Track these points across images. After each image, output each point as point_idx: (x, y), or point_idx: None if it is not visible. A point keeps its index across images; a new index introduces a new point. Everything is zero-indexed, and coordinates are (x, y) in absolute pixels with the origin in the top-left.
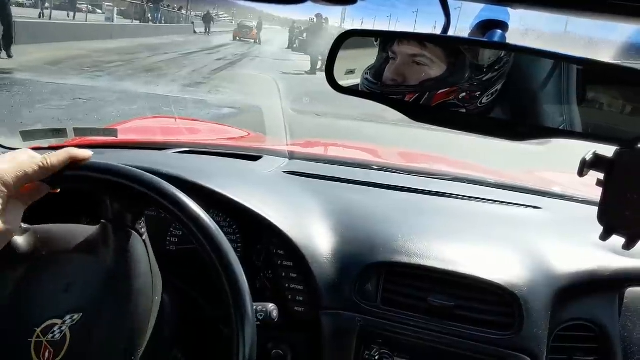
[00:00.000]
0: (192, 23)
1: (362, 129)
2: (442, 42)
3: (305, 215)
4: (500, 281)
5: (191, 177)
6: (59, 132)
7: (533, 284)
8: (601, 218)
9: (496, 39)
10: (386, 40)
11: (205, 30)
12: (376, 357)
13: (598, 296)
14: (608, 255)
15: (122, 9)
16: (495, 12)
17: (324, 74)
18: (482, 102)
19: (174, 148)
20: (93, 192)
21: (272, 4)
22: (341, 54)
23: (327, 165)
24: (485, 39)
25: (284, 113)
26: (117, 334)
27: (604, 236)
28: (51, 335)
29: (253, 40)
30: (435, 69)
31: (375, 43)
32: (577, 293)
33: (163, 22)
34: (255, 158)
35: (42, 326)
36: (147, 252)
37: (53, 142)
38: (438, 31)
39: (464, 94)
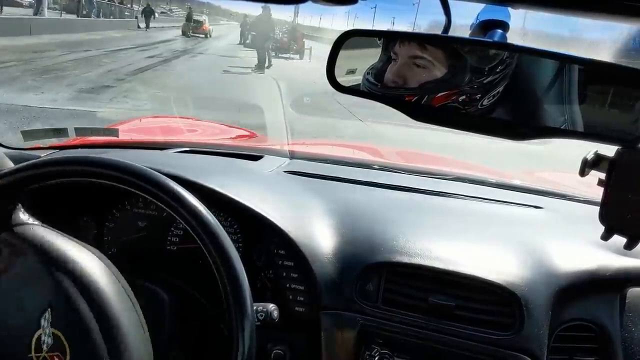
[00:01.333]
0: (136, 17)
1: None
2: (443, 43)
3: (306, 215)
4: (501, 281)
5: (192, 177)
6: (60, 132)
7: (534, 284)
8: (602, 218)
9: (497, 38)
10: (389, 40)
11: (146, 25)
12: (376, 357)
13: (599, 296)
14: (609, 255)
15: (61, 3)
16: (496, 12)
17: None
18: (483, 104)
19: (175, 147)
20: None
21: (272, 3)
22: (342, 53)
23: (328, 164)
24: (486, 39)
25: (284, 113)
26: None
27: (605, 236)
28: (45, 345)
29: (204, 36)
30: (436, 71)
31: (378, 42)
32: (577, 293)
33: (101, 16)
34: (256, 158)
35: (33, 345)
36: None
37: (54, 141)
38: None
39: (464, 97)
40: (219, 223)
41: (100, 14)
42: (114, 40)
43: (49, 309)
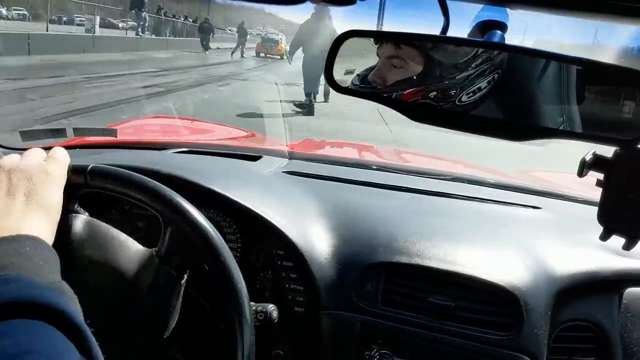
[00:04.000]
0: (206, 35)
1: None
2: (442, 43)
3: (305, 215)
4: (500, 281)
5: (191, 177)
6: (58, 132)
7: (533, 285)
8: (601, 218)
9: (495, 39)
10: (385, 41)
11: (202, 44)
12: (376, 357)
13: (598, 297)
14: (608, 256)
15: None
16: (495, 13)
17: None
18: (462, 100)
19: (173, 148)
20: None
21: (272, 4)
22: (341, 53)
23: (327, 165)
24: (484, 40)
25: (283, 114)
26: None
27: (604, 236)
28: None
29: (279, 57)
30: (411, 70)
31: (373, 45)
32: (577, 293)
33: (150, 33)
34: (255, 158)
35: None
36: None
37: (52, 142)
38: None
39: (434, 93)
40: (210, 224)
41: (168, 32)
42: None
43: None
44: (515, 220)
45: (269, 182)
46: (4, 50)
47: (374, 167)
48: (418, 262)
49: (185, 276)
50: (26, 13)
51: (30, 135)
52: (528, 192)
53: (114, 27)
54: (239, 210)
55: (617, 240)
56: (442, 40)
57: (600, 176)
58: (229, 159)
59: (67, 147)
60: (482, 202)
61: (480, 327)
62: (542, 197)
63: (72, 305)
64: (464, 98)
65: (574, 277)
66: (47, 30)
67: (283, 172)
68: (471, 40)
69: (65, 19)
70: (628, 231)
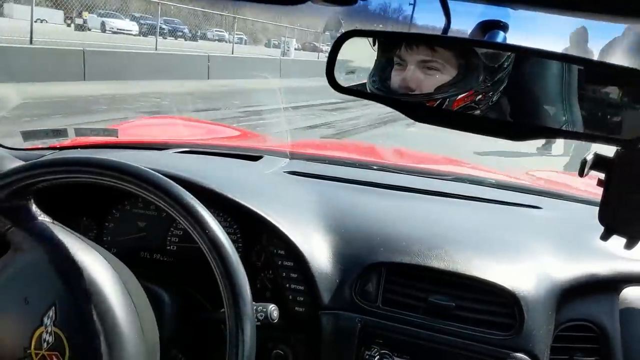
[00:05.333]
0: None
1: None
2: (444, 43)
3: (306, 215)
4: (501, 281)
5: (192, 177)
6: (59, 133)
7: (533, 284)
8: (602, 218)
9: (498, 39)
10: (390, 43)
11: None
12: (376, 357)
13: (598, 296)
14: (608, 256)
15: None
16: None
17: None
18: (493, 101)
19: (174, 148)
20: None
21: (272, 4)
22: (342, 53)
23: (328, 165)
24: (486, 40)
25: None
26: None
27: (605, 236)
28: (45, 343)
29: None
30: (447, 73)
31: (373, 48)
32: (577, 293)
33: None
34: (255, 158)
35: (33, 341)
36: (68, 231)
37: (53, 142)
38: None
39: (480, 96)
40: (217, 222)
41: None
42: None
43: (54, 307)
44: (515, 220)
45: (270, 182)
46: (183, 73)
47: (375, 167)
48: (419, 262)
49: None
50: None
51: (32, 136)
52: (528, 192)
53: (317, 49)
54: (239, 210)
55: (617, 240)
56: (444, 40)
57: (602, 176)
58: (230, 158)
59: (69, 148)
60: (482, 202)
61: (480, 327)
62: (542, 197)
63: None
64: (495, 99)
65: (574, 276)
66: (232, 53)
67: (284, 172)
68: (473, 40)
69: (275, 42)
70: (629, 231)
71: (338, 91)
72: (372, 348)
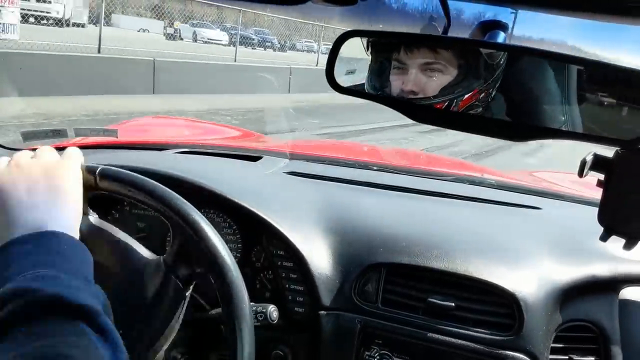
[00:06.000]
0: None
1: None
2: (445, 44)
3: (305, 215)
4: (500, 282)
5: (191, 178)
6: (59, 133)
7: (533, 285)
8: (601, 218)
9: (498, 40)
10: (387, 46)
11: None
12: (376, 358)
13: (597, 297)
14: (608, 256)
15: None
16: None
17: None
18: (492, 98)
19: (174, 148)
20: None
21: (271, 4)
22: (342, 53)
23: (327, 165)
24: (487, 40)
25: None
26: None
27: (604, 236)
28: None
29: None
30: (448, 74)
31: (367, 52)
32: (576, 294)
33: None
34: (255, 158)
35: None
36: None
37: (54, 142)
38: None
39: (482, 94)
40: (208, 222)
41: None
42: None
43: None
44: (515, 221)
45: (270, 182)
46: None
47: (375, 167)
48: (418, 262)
49: (191, 287)
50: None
51: (31, 136)
52: (528, 193)
53: None
54: (239, 211)
55: (617, 241)
56: (444, 40)
57: (601, 176)
58: (230, 159)
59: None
60: (482, 202)
61: (480, 328)
62: (542, 198)
63: (108, 310)
64: (493, 95)
65: (573, 277)
66: (316, 65)
67: (283, 172)
68: (473, 40)
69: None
70: (628, 231)
71: (338, 91)
72: (371, 348)
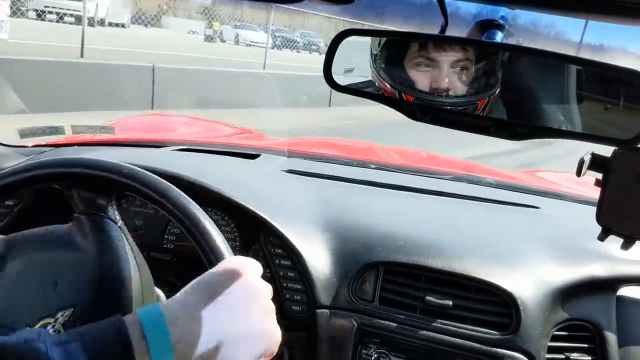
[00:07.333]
0: None
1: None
2: (443, 43)
3: (303, 214)
4: (497, 281)
5: (189, 175)
6: (56, 130)
7: (530, 284)
8: (599, 218)
9: (496, 39)
10: (406, 43)
11: None
12: (373, 356)
13: (595, 296)
14: (605, 256)
15: None
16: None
17: None
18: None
19: (172, 146)
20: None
21: (269, 2)
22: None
23: (326, 163)
24: (485, 40)
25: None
26: None
27: (602, 236)
28: None
29: None
30: (470, 72)
31: (379, 48)
32: (573, 293)
33: None
34: (253, 156)
35: (37, 325)
36: (126, 238)
37: (51, 139)
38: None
39: (497, 92)
40: (211, 220)
41: None
42: None
43: (72, 309)
44: (513, 220)
45: (268, 180)
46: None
47: (373, 165)
48: (416, 261)
49: (118, 217)
50: None
51: (28, 133)
52: (527, 192)
53: None
54: (236, 209)
55: (614, 240)
56: (442, 39)
57: (599, 176)
58: (228, 157)
59: (66, 145)
60: (481, 201)
61: (477, 327)
62: (541, 197)
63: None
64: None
65: (571, 276)
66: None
67: (281, 170)
68: (471, 40)
69: None
70: (626, 231)
71: (336, 90)
72: (369, 347)
